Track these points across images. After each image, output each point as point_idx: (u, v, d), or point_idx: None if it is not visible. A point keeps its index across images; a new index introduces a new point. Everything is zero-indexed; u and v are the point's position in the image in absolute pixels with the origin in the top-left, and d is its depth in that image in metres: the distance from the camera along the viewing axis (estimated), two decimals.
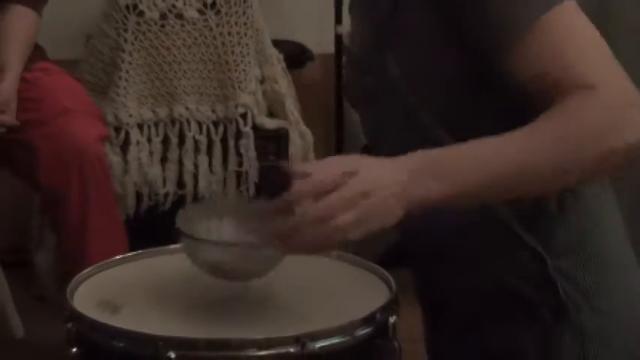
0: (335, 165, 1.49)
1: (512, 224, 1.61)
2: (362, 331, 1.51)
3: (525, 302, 1.63)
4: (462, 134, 1.52)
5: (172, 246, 1.72)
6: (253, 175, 3.60)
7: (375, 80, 1.65)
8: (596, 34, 1.53)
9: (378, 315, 1.53)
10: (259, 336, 1.47)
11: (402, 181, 1.46)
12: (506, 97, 1.57)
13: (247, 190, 3.60)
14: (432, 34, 1.58)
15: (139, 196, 3.58)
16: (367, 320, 1.52)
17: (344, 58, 4.04)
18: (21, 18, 3.35)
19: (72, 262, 2.96)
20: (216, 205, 1.68)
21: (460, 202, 1.49)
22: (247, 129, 3.65)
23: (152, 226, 2.97)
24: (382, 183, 1.44)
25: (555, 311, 1.62)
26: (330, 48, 4.11)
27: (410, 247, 1.77)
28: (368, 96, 1.70)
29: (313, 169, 1.47)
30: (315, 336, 1.47)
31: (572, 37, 1.52)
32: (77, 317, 1.55)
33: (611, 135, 1.46)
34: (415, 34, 1.60)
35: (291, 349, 1.45)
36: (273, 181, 3.46)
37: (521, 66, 1.52)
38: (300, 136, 3.74)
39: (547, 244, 1.61)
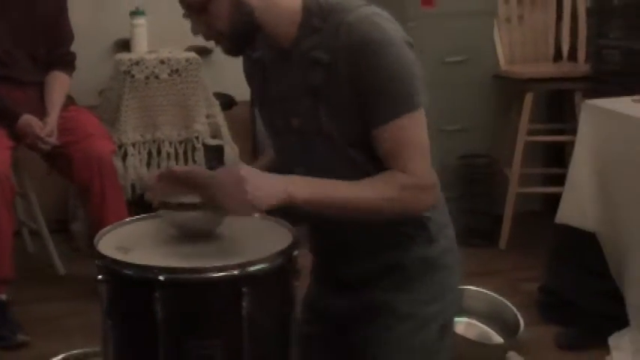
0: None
1: None
2: (278, 260, 1.50)
3: (410, 237, 1.63)
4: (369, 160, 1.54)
5: (156, 213, 1.69)
6: None
7: (304, 122, 1.57)
8: (427, 139, 1.53)
9: (286, 250, 1.53)
10: (216, 264, 1.46)
11: (274, 185, 1.47)
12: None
13: None
14: (348, 101, 1.52)
15: (133, 187, 3.54)
16: (281, 253, 1.51)
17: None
18: (59, 79, 3.29)
19: (95, 227, 2.91)
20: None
21: (315, 209, 1.50)
22: (199, 145, 3.63)
23: (142, 205, 2.94)
24: (256, 182, 1.45)
25: (428, 240, 1.64)
26: (247, 97, 4.05)
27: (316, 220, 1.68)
28: (294, 131, 1.60)
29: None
30: (251, 263, 1.46)
31: (414, 138, 1.52)
32: (102, 256, 1.52)
33: (409, 205, 1.53)
34: (338, 99, 1.52)
35: (235, 272, 1.44)
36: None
37: (380, 140, 1.52)
38: (231, 150, 3.73)
39: None
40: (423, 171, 1.53)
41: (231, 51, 1.59)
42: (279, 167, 1.63)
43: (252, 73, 1.71)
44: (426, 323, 1.64)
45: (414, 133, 1.52)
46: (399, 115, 1.50)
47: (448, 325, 1.68)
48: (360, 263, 1.65)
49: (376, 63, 1.48)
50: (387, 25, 1.51)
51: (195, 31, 1.56)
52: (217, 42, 1.57)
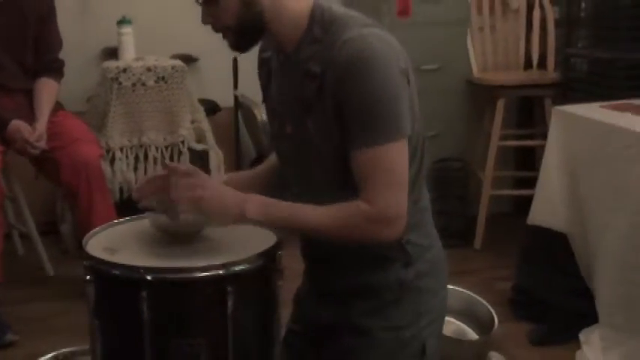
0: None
1: None
2: (262, 260, 1.49)
3: (388, 259, 1.57)
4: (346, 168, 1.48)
5: (142, 215, 1.68)
6: None
7: (295, 130, 1.53)
8: (404, 169, 1.45)
9: (270, 251, 1.51)
10: (201, 264, 1.44)
11: (229, 204, 1.48)
12: None
13: None
14: (333, 116, 1.45)
15: (121, 190, 3.50)
16: (264, 254, 1.50)
17: (240, 112, 4.07)
18: (47, 85, 3.24)
19: (83, 230, 2.88)
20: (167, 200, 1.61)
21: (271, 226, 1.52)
22: (185, 150, 3.59)
23: (129, 207, 2.92)
24: (217, 192, 1.48)
25: (405, 263, 1.58)
26: (230, 103, 4.08)
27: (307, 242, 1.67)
28: (287, 137, 1.57)
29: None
30: (235, 263, 1.45)
31: (388, 168, 1.43)
32: (90, 257, 1.50)
33: (367, 235, 1.47)
34: (325, 114, 1.46)
35: (220, 272, 1.43)
36: None
37: (354, 164, 1.46)
38: (215, 154, 3.70)
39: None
40: (389, 202, 1.44)
41: (236, 46, 1.54)
42: (279, 170, 1.62)
43: (260, 74, 1.68)
44: (403, 347, 1.59)
45: (388, 163, 1.43)
46: (376, 142, 1.42)
47: (427, 345, 1.61)
48: (340, 278, 1.61)
49: (361, 83, 1.40)
50: (383, 48, 1.42)
51: (204, 21, 1.53)
52: (224, 35, 1.53)
